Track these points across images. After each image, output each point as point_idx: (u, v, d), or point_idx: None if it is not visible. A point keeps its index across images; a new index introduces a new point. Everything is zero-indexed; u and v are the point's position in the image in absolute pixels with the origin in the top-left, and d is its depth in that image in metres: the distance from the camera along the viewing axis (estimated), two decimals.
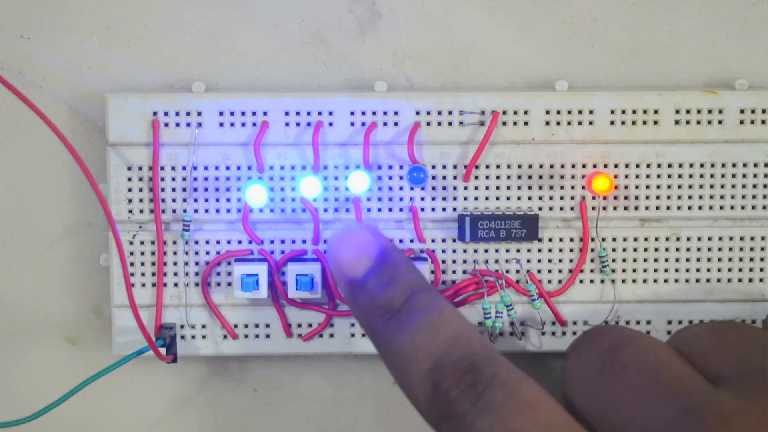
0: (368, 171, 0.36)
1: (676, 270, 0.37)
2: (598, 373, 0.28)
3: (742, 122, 0.36)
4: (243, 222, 0.36)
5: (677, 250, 0.36)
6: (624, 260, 0.36)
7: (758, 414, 0.25)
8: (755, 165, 0.36)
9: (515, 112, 0.36)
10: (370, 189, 0.36)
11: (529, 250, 0.36)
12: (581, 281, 0.37)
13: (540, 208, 0.36)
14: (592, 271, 0.37)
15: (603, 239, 0.36)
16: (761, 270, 0.36)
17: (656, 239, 0.36)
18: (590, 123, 0.36)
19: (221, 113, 0.36)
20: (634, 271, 0.36)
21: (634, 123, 0.36)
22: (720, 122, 0.36)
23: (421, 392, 0.27)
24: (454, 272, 0.36)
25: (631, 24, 0.37)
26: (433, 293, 0.29)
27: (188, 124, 0.36)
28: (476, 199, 0.36)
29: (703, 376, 0.27)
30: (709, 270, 0.36)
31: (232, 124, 0.36)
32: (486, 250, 0.36)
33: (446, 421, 0.26)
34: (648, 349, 0.28)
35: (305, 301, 0.36)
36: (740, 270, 0.36)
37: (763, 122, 0.36)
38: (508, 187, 0.36)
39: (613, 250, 0.36)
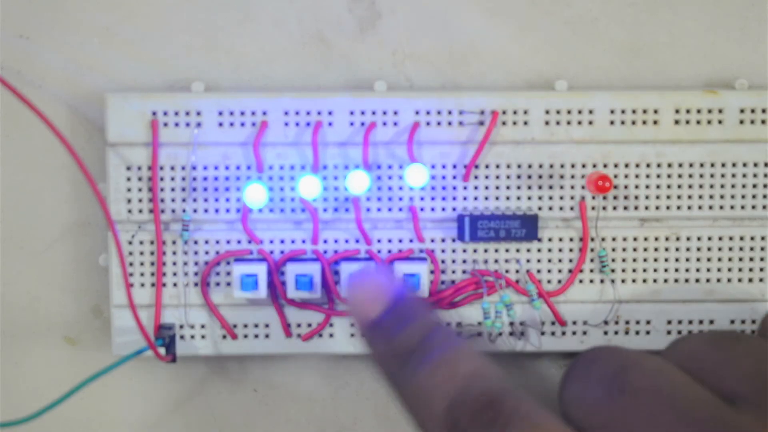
0: (368, 171, 0.36)
1: (676, 270, 0.36)
2: (606, 402, 0.27)
3: (742, 122, 0.36)
4: (242, 222, 0.36)
5: (677, 249, 0.36)
6: (624, 260, 0.36)
7: None
8: (755, 165, 0.36)
9: (515, 112, 0.36)
10: (369, 189, 0.36)
11: (528, 250, 0.36)
12: (581, 281, 0.37)
13: (540, 208, 0.36)
14: (591, 270, 0.36)
15: (603, 239, 0.36)
16: (761, 270, 0.36)
17: (656, 239, 0.36)
18: (590, 123, 0.36)
19: (221, 113, 0.36)
20: (634, 270, 0.36)
21: (634, 123, 0.36)
22: (720, 122, 0.36)
23: (440, 431, 0.27)
24: (453, 272, 0.36)
25: (631, 24, 0.37)
26: (448, 331, 0.29)
27: (188, 124, 0.36)
28: (476, 199, 0.36)
29: (717, 395, 0.26)
30: (708, 270, 0.36)
31: (232, 124, 0.36)
32: (486, 250, 0.36)
33: None
34: (656, 372, 0.27)
35: (304, 301, 0.36)
36: (740, 270, 0.36)
37: (763, 122, 0.36)
38: (508, 187, 0.36)
39: (613, 249, 0.36)
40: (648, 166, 0.36)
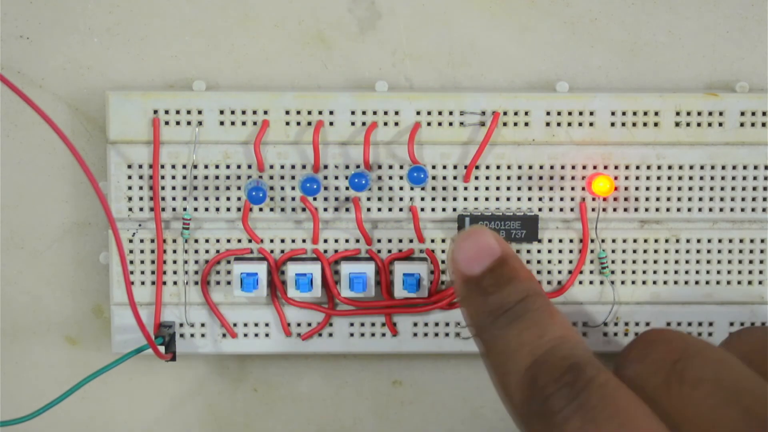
0: (368, 171, 0.36)
1: (676, 272, 0.37)
2: (663, 389, 0.25)
3: (742, 125, 0.36)
4: (243, 221, 0.36)
5: (677, 251, 0.36)
6: (623, 261, 0.36)
7: None
8: (755, 167, 0.36)
9: (516, 113, 0.36)
10: (369, 189, 0.36)
11: (528, 251, 0.36)
12: (581, 282, 0.37)
13: (540, 209, 0.36)
14: (591, 272, 0.37)
15: (603, 240, 0.36)
16: (761, 272, 0.36)
17: (656, 241, 0.36)
18: (591, 124, 0.36)
19: (222, 112, 0.35)
20: (634, 272, 0.37)
21: (634, 124, 0.36)
22: (720, 124, 0.36)
23: (518, 387, 0.27)
24: None
25: (631, 24, 0.37)
26: (546, 300, 0.29)
27: (189, 123, 0.36)
28: (476, 199, 0.36)
29: None
30: (708, 272, 0.37)
31: (233, 123, 0.36)
32: None
33: (538, 418, 0.25)
34: (720, 364, 0.25)
35: (305, 300, 0.36)
36: (740, 272, 0.37)
37: (763, 125, 0.36)
38: (508, 188, 0.36)
39: (613, 251, 0.36)
40: (648, 168, 0.36)
